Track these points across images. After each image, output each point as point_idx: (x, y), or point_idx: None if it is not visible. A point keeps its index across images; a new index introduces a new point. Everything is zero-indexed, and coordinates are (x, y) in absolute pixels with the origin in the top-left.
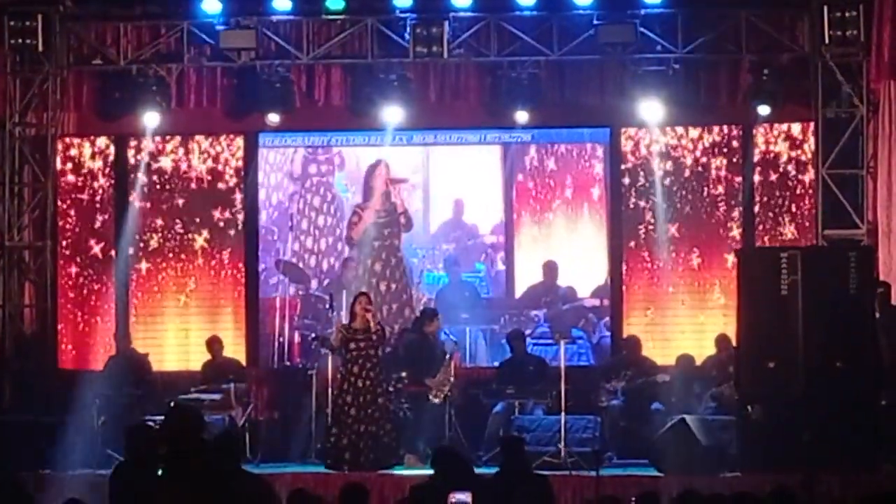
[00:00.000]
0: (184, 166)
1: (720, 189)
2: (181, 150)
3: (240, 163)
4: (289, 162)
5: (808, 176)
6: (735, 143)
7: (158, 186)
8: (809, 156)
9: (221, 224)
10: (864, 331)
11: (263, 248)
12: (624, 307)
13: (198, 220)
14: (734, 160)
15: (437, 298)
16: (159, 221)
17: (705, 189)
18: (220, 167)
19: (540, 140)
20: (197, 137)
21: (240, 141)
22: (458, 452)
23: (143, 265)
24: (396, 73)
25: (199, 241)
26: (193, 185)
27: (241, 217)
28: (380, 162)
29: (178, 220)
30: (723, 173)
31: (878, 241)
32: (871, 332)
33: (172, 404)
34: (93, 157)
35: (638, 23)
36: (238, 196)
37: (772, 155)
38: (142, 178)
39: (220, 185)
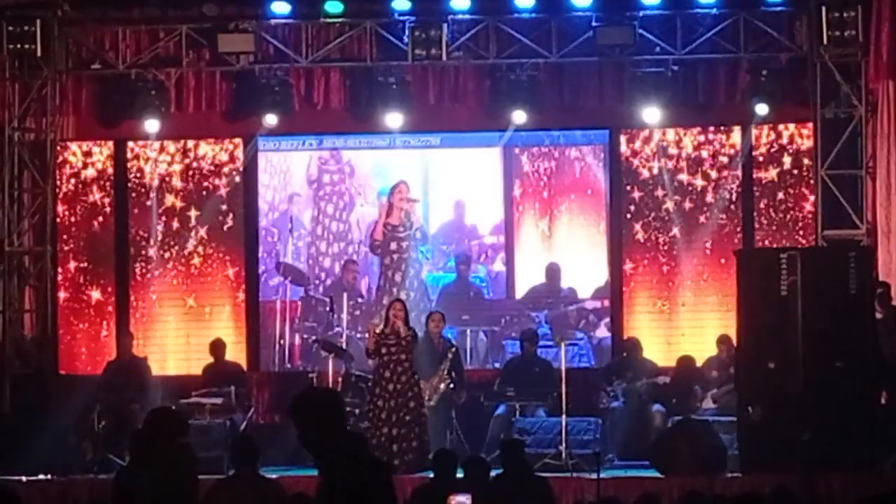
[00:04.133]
0: (183, 170)
1: (719, 190)
2: (180, 154)
3: (239, 166)
4: (300, 167)
5: (807, 176)
6: (733, 144)
7: (158, 190)
8: (808, 156)
9: (221, 227)
10: (863, 331)
11: (263, 251)
12: (624, 308)
13: (197, 223)
14: (733, 161)
15: (441, 296)
16: (159, 225)
17: (704, 190)
18: (219, 171)
19: (539, 142)
20: (196, 141)
21: (239, 144)
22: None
23: (143, 269)
24: (395, 75)
25: (199, 244)
26: (193, 189)
27: (240, 220)
28: (400, 182)
29: (177, 224)
30: (722, 174)
31: (878, 242)
32: (871, 331)
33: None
34: (92, 161)
35: (636, 24)
36: (237, 199)
37: (770, 155)
38: (141, 181)
39: (220, 189)
